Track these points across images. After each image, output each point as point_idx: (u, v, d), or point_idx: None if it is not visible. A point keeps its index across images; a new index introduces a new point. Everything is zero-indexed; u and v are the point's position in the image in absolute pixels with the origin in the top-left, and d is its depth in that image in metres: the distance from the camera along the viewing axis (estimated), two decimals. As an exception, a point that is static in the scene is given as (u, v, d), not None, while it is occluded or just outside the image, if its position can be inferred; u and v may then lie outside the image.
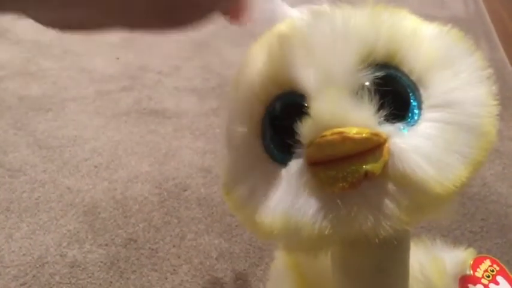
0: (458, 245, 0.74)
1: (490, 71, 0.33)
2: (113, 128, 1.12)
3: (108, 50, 1.51)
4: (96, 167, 0.99)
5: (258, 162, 0.34)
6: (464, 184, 0.30)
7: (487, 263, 0.56)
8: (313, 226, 0.30)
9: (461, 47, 0.33)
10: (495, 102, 0.32)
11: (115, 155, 1.03)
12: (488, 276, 0.55)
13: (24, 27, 1.63)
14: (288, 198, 0.31)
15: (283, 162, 0.32)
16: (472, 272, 0.54)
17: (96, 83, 1.32)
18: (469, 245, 0.80)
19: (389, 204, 0.29)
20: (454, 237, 0.83)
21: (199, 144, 1.07)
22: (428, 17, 0.35)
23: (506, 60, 1.48)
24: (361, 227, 0.30)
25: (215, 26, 1.49)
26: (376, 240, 0.30)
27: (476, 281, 0.54)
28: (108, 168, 0.99)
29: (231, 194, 0.35)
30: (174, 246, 0.81)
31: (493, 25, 1.73)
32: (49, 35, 1.58)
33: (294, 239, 0.31)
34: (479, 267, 0.55)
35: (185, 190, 0.93)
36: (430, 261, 0.50)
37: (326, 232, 0.30)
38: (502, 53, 1.53)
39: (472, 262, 0.55)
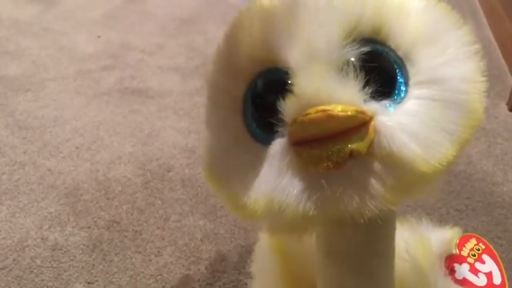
0: (444, 223, 0.74)
1: (477, 46, 0.32)
2: (95, 108, 1.10)
3: (89, 27, 1.48)
4: (77, 148, 0.97)
5: (240, 142, 0.32)
6: (451, 162, 0.29)
7: (473, 241, 0.56)
8: (297, 207, 0.29)
9: (449, 21, 0.32)
10: (483, 79, 0.31)
11: (97, 135, 1.01)
12: (474, 255, 0.55)
13: (2, 5, 1.59)
14: (271, 178, 0.30)
15: (266, 141, 0.31)
16: (457, 251, 0.54)
17: (76, 62, 1.28)
18: (455, 223, 0.80)
19: (375, 184, 0.28)
20: (439, 215, 0.83)
21: (183, 124, 1.05)
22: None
23: (492, 38, 1.47)
24: (346, 208, 0.29)
25: (199, 3, 1.48)
26: (362, 221, 0.29)
27: (462, 260, 0.54)
28: (89, 149, 0.97)
29: (212, 175, 0.34)
30: (158, 228, 0.79)
31: (479, 3, 1.72)
32: (28, 13, 1.54)
33: (278, 220, 0.30)
34: (465, 246, 0.55)
35: (169, 171, 0.92)
36: (416, 240, 0.50)
37: (310, 213, 0.29)
38: (488, 30, 1.53)
39: (457, 241, 0.55)
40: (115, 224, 0.80)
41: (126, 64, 1.28)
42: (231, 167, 0.33)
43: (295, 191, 0.29)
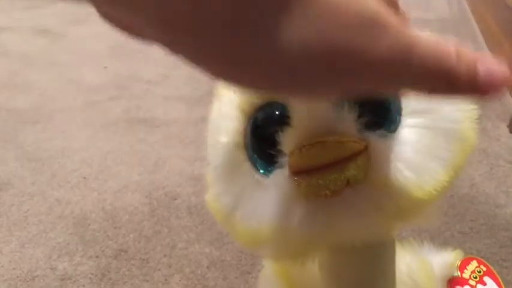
0: (449, 246, 0.74)
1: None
2: (102, 138, 1.12)
3: (96, 59, 1.51)
4: (85, 178, 0.99)
5: (242, 172, 0.34)
6: (446, 188, 0.30)
7: (474, 264, 0.57)
8: (298, 234, 0.30)
9: None
10: (475, 107, 0.32)
11: (104, 165, 1.02)
12: (476, 277, 0.55)
13: (10, 39, 1.63)
14: (273, 207, 0.31)
15: (267, 171, 0.32)
16: (459, 273, 0.55)
17: (84, 93, 1.31)
18: (459, 246, 0.80)
19: (372, 210, 0.30)
20: (443, 238, 0.83)
21: (189, 152, 1.07)
22: (414, 19, 0.35)
23: (492, 61, 1.49)
24: (345, 234, 0.30)
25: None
26: (361, 246, 0.30)
27: (463, 282, 0.54)
28: (97, 179, 0.99)
29: (216, 204, 0.35)
30: (165, 255, 0.80)
31: (478, 27, 1.75)
32: (36, 46, 1.58)
33: (281, 246, 0.32)
34: (466, 269, 0.56)
35: (175, 199, 0.93)
36: (418, 264, 0.50)
37: (311, 240, 0.30)
38: (486, 52, 1.55)
39: (459, 264, 0.55)
40: (122, 253, 0.81)
41: (132, 94, 1.31)
42: (234, 196, 0.34)
43: (296, 219, 0.30)
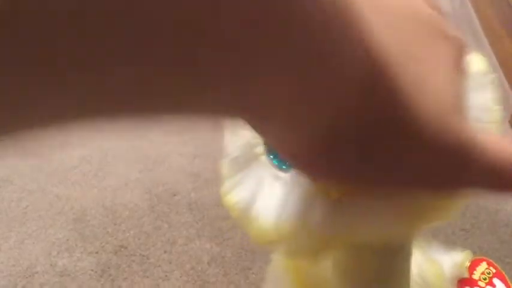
0: (450, 243, 0.74)
1: (493, 75, 0.33)
2: (102, 134, 1.11)
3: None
4: (85, 174, 0.98)
5: (260, 166, 0.33)
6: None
7: (484, 265, 0.56)
8: (319, 232, 0.30)
9: (471, 56, 0.33)
10: (498, 108, 0.32)
11: (104, 162, 1.02)
12: (485, 279, 0.55)
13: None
14: (293, 203, 0.31)
15: (287, 166, 0.32)
16: (469, 274, 0.55)
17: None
18: (461, 243, 0.80)
19: (395, 210, 0.29)
20: (445, 235, 0.83)
21: (189, 149, 1.07)
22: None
23: (493, 58, 1.49)
24: (366, 233, 0.29)
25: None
26: (380, 246, 0.30)
27: (473, 283, 0.54)
28: (97, 175, 0.98)
29: (231, 198, 0.35)
30: (165, 251, 0.80)
31: (479, 23, 1.74)
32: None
33: (299, 245, 0.31)
34: (475, 270, 0.55)
35: (175, 195, 0.93)
36: (428, 264, 0.50)
37: (332, 238, 0.29)
38: (488, 50, 1.54)
39: (468, 264, 0.55)
40: (122, 249, 0.81)
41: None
42: (250, 190, 0.33)
43: (317, 217, 0.30)
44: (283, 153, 0.21)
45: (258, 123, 0.18)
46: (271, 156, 0.33)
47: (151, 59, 0.11)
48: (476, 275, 0.55)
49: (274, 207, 0.31)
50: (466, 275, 0.55)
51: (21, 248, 0.81)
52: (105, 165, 1.01)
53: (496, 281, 0.56)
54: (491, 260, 0.59)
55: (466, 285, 0.53)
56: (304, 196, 0.30)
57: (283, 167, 0.32)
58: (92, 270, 0.77)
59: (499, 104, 0.32)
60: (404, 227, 0.29)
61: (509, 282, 0.57)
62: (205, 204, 0.90)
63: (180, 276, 0.76)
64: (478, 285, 0.54)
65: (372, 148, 0.19)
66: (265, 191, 0.32)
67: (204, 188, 0.94)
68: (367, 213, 0.29)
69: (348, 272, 0.37)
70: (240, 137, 0.35)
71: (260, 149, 0.33)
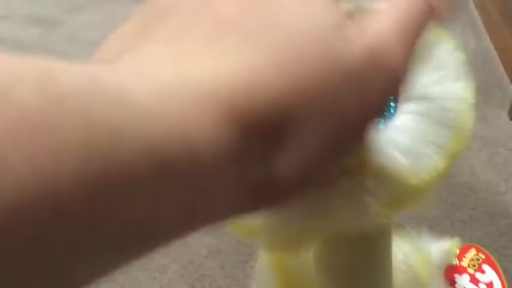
0: (449, 234, 0.74)
1: (469, 66, 0.32)
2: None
3: (93, 48, 1.49)
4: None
5: None
6: (442, 175, 0.30)
7: (473, 252, 0.56)
8: (293, 224, 0.29)
9: (442, 43, 0.33)
10: (473, 97, 0.32)
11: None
12: (474, 265, 0.55)
13: (5, 27, 1.61)
14: None
15: None
16: (457, 261, 0.54)
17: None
18: (459, 234, 0.80)
19: (368, 199, 0.29)
20: (443, 226, 0.82)
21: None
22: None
23: (492, 48, 1.48)
24: (341, 223, 0.29)
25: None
26: (357, 236, 0.29)
27: (462, 270, 0.54)
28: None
29: None
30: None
31: (477, 12, 1.73)
32: (31, 34, 1.57)
33: (275, 238, 0.31)
34: (464, 257, 0.55)
35: (172, 188, 0.92)
36: (415, 252, 0.50)
37: (306, 230, 0.29)
38: (487, 40, 1.54)
39: (457, 252, 0.55)
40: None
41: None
42: None
43: (291, 209, 0.29)
44: None
45: None
46: None
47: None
48: (465, 262, 0.55)
49: None
50: (455, 262, 0.55)
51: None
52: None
53: (485, 267, 0.56)
54: (480, 247, 0.59)
55: (455, 273, 0.53)
56: None
57: None
58: (89, 263, 0.77)
59: (471, 93, 0.32)
60: (379, 214, 0.29)
61: (498, 268, 0.57)
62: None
63: (177, 270, 0.76)
64: (467, 272, 0.54)
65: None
66: None
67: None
68: (341, 202, 0.29)
69: (328, 263, 0.37)
70: None
71: None
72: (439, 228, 0.82)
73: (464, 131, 0.31)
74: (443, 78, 0.31)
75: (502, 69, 1.35)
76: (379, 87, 0.19)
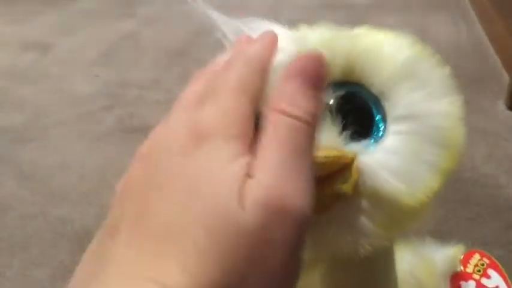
0: (455, 233, 0.74)
1: (455, 82, 0.32)
2: (98, 151, 1.11)
3: (86, 68, 1.50)
4: (84, 193, 0.98)
5: None
6: (436, 193, 0.30)
7: (477, 257, 0.56)
8: None
9: (425, 60, 0.33)
10: (462, 114, 0.32)
11: (102, 179, 1.02)
12: (479, 271, 0.55)
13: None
14: None
15: None
16: (462, 268, 0.54)
17: (76, 104, 1.30)
18: (465, 233, 0.80)
19: (365, 222, 0.29)
20: (449, 226, 0.82)
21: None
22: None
23: (484, 37, 1.48)
24: (340, 247, 0.29)
25: (189, 33, 1.48)
26: (359, 257, 0.30)
27: (467, 277, 0.54)
28: (97, 193, 0.98)
29: None
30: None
31: (469, 2, 1.73)
32: (25, 60, 1.57)
33: None
34: (469, 263, 0.55)
35: (176, 207, 0.92)
36: (420, 262, 0.50)
37: (305, 255, 0.29)
38: (479, 29, 1.53)
39: (461, 258, 0.55)
40: (128, 268, 0.80)
41: (125, 101, 1.30)
42: None
43: None
44: None
45: None
46: None
47: None
48: (470, 268, 0.55)
49: None
50: (460, 269, 0.55)
51: (25, 275, 0.81)
52: (104, 182, 1.01)
53: (490, 271, 0.56)
54: (484, 251, 0.59)
55: (460, 280, 0.53)
56: None
57: None
58: (99, 292, 0.77)
59: (459, 108, 0.32)
60: (377, 237, 0.29)
61: (503, 271, 0.57)
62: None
63: None
64: (473, 278, 0.54)
65: None
66: None
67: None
68: (337, 228, 0.29)
69: (335, 283, 0.37)
70: None
71: None
72: (445, 227, 0.82)
73: (456, 147, 0.31)
74: (429, 96, 0.31)
75: (495, 57, 1.35)
76: (288, 233, 0.21)
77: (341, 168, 0.28)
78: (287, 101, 0.23)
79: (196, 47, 1.55)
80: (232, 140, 0.22)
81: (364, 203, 0.29)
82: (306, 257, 0.30)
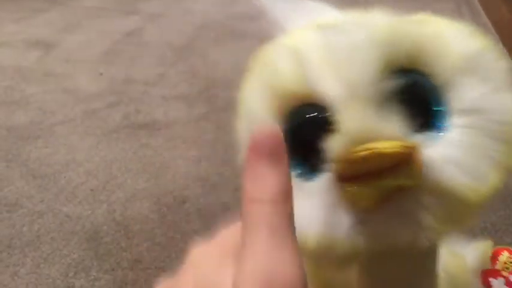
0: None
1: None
2: (105, 147, 1.11)
3: (91, 66, 1.50)
4: (92, 190, 0.98)
5: None
6: (498, 189, 0.29)
7: (505, 254, 0.56)
8: (347, 243, 0.29)
9: (489, 51, 0.32)
10: None
11: (110, 175, 1.02)
12: (508, 268, 0.55)
13: (2, 53, 1.62)
14: (318, 215, 0.30)
15: (307, 176, 0.31)
16: (491, 265, 0.54)
17: (82, 102, 1.31)
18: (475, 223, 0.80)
19: (425, 216, 0.28)
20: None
21: (193, 152, 1.06)
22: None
23: (489, 25, 1.47)
24: (398, 241, 0.29)
25: (193, 28, 1.47)
26: (410, 251, 0.29)
27: (496, 274, 0.54)
28: (104, 189, 0.98)
29: None
30: (180, 262, 0.80)
31: (472, -11, 1.72)
32: (29, 59, 1.57)
33: (326, 256, 0.31)
34: (498, 260, 0.55)
35: (184, 202, 0.93)
36: (452, 258, 0.49)
37: (360, 248, 0.29)
38: (484, 17, 1.52)
39: (490, 255, 0.55)
40: (138, 263, 0.81)
41: (130, 98, 1.30)
42: None
43: (345, 227, 0.29)
44: None
45: None
46: (295, 167, 0.32)
47: None
48: (499, 265, 0.55)
49: (299, 219, 0.31)
50: (489, 266, 0.55)
51: (37, 273, 0.81)
52: (112, 179, 1.01)
53: (519, 269, 0.55)
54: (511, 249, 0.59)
55: (490, 276, 0.53)
56: (329, 207, 0.30)
57: (305, 175, 0.31)
58: (110, 288, 0.77)
59: None
60: (435, 231, 0.29)
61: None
62: (215, 209, 0.90)
63: None
64: (502, 276, 0.54)
65: None
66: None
67: (212, 192, 0.94)
68: (396, 220, 0.29)
69: (377, 277, 0.36)
70: None
71: None
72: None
73: None
74: (494, 90, 0.30)
75: (500, 45, 1.34)
76: None
77: (404, 160, 0.28)
78: (251, 187, 0.23)
79: (200, 41, 1.55)
80: None
81: (426, 196, 0.28)
82: (357, 251, 0.29)
